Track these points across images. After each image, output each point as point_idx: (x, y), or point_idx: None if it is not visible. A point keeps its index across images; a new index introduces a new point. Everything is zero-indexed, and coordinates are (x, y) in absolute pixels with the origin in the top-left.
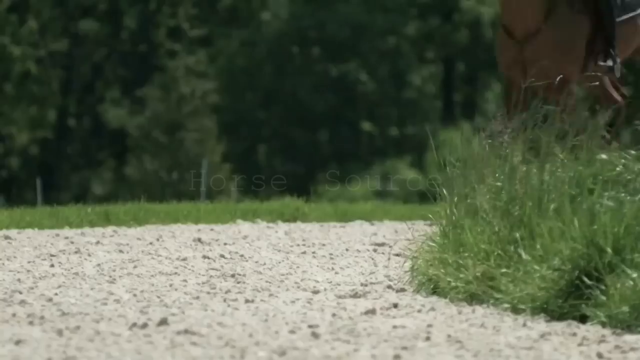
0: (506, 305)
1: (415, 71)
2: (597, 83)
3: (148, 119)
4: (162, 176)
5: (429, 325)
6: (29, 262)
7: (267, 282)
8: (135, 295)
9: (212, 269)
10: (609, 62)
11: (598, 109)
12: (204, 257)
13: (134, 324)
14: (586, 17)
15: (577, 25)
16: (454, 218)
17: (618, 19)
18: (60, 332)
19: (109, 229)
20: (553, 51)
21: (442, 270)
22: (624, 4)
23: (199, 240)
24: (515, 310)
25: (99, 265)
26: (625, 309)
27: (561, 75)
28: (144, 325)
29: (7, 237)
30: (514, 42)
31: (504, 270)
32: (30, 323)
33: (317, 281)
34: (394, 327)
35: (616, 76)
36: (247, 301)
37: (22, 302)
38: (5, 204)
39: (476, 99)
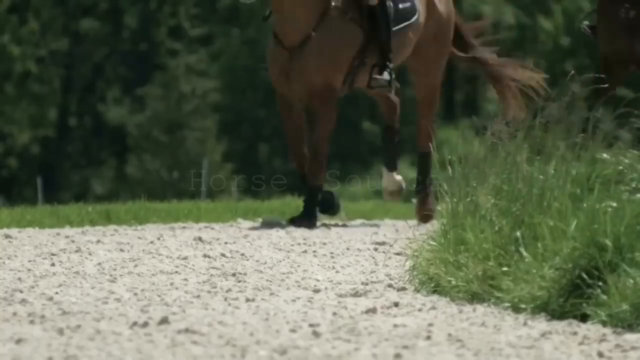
0: (507, 304)
1: None
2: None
3: (148, 118)
4: (163, 175)
5: (430, 324)
6: (29, 261)
7: (267, 281)
8: (136, 294)
9: (213, 267)
10: (385, 76)
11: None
12: (205, 256)
13: (135, 323)
14: (358, 27)
15: (347, 34)
16: (454, 216)
17: (393, 29)
18: (61, 331)
19: (110, 228)
20: (319, 59)
21: (443, 269)
22: (398, 13)
23: (200, 239)
24: (516, 309)
25: (99, 264)
26: (626, 307)
27: (325, 83)
28: (145, 324)
29: (7, 236)
30: (284, 50)
31: (504, 269)
32: (31, 322)
33: (317, 280)
34: (395, 326)
35: (391, 91)
36: (247, 300)
37: (23, 301)
38: (5, 202)
39: (477, 98)
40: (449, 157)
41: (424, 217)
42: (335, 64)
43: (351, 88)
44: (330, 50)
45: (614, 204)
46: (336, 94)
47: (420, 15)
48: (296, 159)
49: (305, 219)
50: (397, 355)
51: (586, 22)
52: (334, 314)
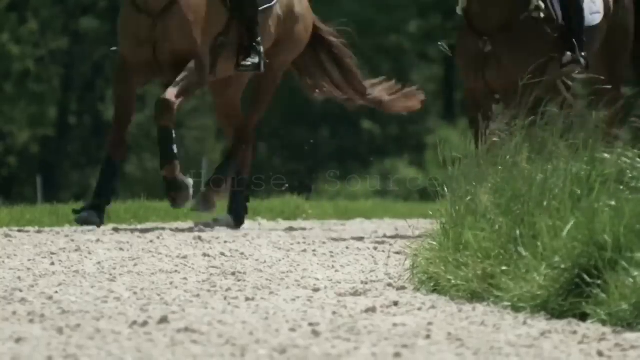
0: (506, 304)
1: (417, 69)
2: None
3: (148, 117)
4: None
5: (430, 323)
6: (29, 260)
7: (267, 280)
8: (135, 293)
9: (213, 267)
10: (254, 59)
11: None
12: (205, 255)
13: (135, 322)
14: (221, 2)
15: (211, 6)
16: (454, 216)
17: (260, 8)
18: (60, 330)
19: (109, 227)
20: (183, 24)
21: (443, 268)
22: None
23: (199, 238)
24: (516, 309)
25: (99, 263)
26: (626, 306)
27: (189, 48)
28: (145, 323)
29: (7, 235)
30: (145, 17)
31: (504, 268)
32: (31, 321)
33: (317, 279)
34: (395, 325)
35: (261, 71)
36: (247, 299)
37: (23, 300)
38: (5, 202)
39: None
40: (453, 154)
41: (202, 201)
42: (199, 32)
43: (214, 72)
44: (193, 17)
45: (614, 203)
46: (206, 66)
47: (279, 3)
48: (119, 132)
49: (169, 166)
50: (397, 355)
51: (444, 41)
52: (334, 313)
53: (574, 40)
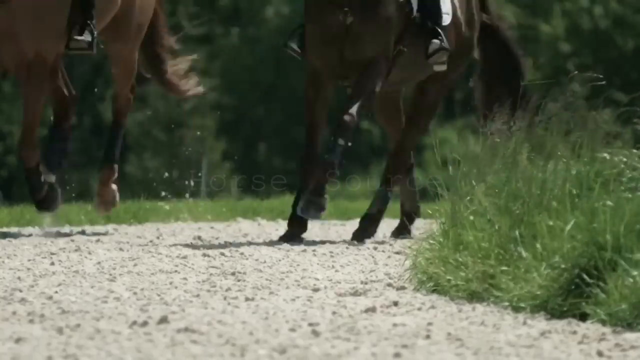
0: (506, 304)
1: None
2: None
3: (148, 117)
4: (162, 174)
5: (429, 323)
6: (29, 260)
7: (267, 280)
8: (135, 293)
9: (212, 267)
10: (87, 37)
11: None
12: (204, 255)
13: (134, 322)
14: None
15: None
16: (454, 216)
17: None
18: (60, 330)
19: (109, 227)
20: (29, 22)
21: (442, 269)
22: None
23: (199, 238)
24: (516, 309)
25: (99, 263)
26: (625, 306)
27: (36, 54)
28: (144, 323)
29: (7, 235)
30: None
31: (504, 268)
32: (31, 321)
33: (317, 279)
34: (394, 325)
35: (93, 52)
36: (247, 299)
37: (22, 300)
38: (5, 201)
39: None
40: (453, 155)
41: (102, 204)
42: (50, 30)
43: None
44: (43, 12)
45: (613, 203)
46: (47, 66)
47: None
48: None
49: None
50: (397, 355)
51: (292, 43)
52: (334, 313)
53: (436, 27)
